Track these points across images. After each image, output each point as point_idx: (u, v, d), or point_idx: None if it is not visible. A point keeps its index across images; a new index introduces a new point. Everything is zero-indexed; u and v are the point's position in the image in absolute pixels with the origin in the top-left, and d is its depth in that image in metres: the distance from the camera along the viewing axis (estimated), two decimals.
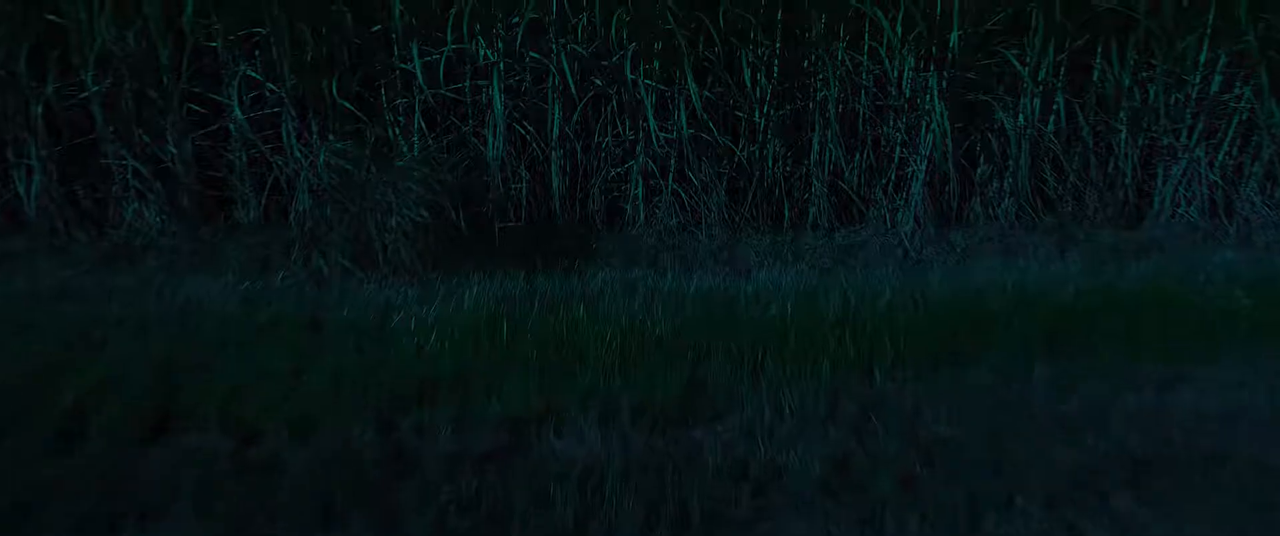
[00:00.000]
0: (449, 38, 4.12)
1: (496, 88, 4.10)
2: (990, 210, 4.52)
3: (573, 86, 4.09)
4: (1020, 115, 4.40)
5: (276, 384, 3.02)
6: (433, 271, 3.89)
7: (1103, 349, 3.29)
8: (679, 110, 4.21)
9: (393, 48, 4.18)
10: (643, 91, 4.18)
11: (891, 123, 4.38)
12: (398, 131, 4.26)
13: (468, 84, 4.21)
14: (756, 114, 4.31)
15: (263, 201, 4.29)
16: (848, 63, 4.27)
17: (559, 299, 3.62)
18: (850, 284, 3.92)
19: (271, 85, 4.20)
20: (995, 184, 4.50)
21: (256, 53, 4.17)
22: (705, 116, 4.21)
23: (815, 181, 4.40)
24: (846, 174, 4.42)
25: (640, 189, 4.30)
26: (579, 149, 4.26)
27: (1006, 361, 3.20)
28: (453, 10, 4.07)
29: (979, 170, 4.49)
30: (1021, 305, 3.60)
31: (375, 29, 4.19)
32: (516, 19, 4.18)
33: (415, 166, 4.03)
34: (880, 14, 4.20)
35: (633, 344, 3.19)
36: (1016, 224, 4.51)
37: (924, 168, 4.35)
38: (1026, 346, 3.29)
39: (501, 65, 4.17)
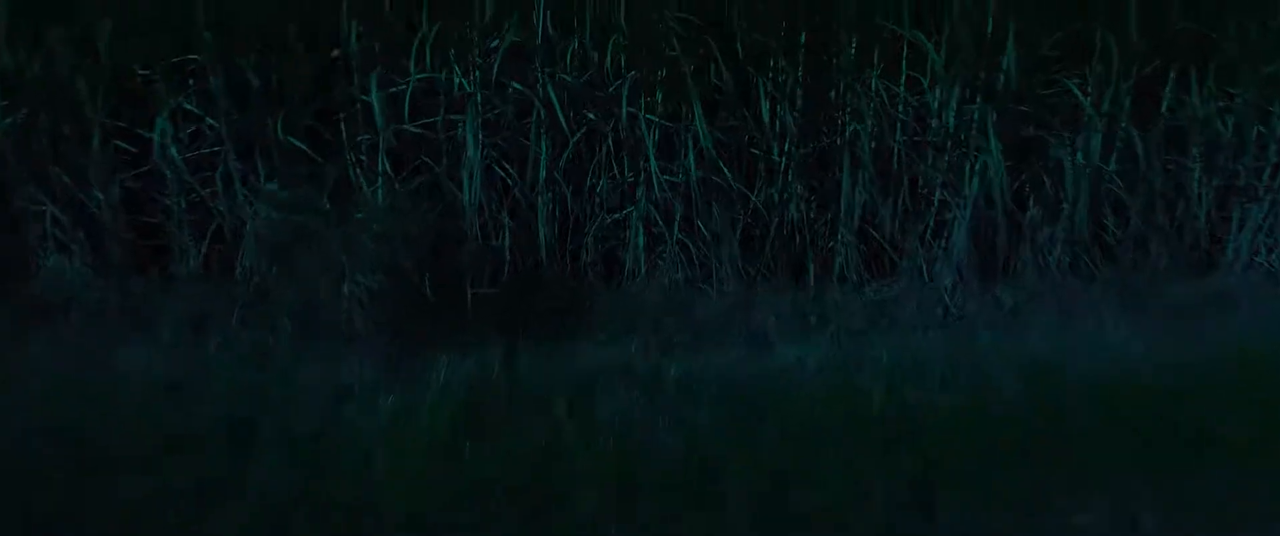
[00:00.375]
0: (413, 68, 3.24)
1: (470, 124, 3.22)
2: (1040, 259, 3.64)
3: (563, 121, 3.21)
4: (1078, 152, 3.53)
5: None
6: (395, 342, 3.04)
7: (1225, 468, 2.45)
8: (685, 149, 3.34)
9: (352, 76, 3.30)
10: (643, 127, 3.31)
11: (930, 161, 3.50)
12: (360, 172, 3.39)
13: (440, 118, 3.33)
14: (775, 152, 3.44)
15: (203, 252, 3.42)
16: (883, 93, 3.39)
17: (541, 392, 2.77)
18: (888, 356, 3.07)
19: (211, 119, 3.32)
20: (1046, 229, 3.62)
21: (189, 82, 3.29)
22: (716, 156, 3.34)
23: (843, 229, 3.52)
24: (878, 219, 3.55)
25: (641, 238, 3.43)
26: (569, 193, 3.38)
27: (1108, 493, 2.36)
28: (420, 34, 3.19)
29: (1028, 214, 3.61)
30: (1105, 397, 2.75)
31: (333, 54, 3.31)
32: (496, 41, 3.30)
33: (376, 218, 3.16)
34: (922, 37, 3.31)
35: (631, 470, 2.34)
36: (1070, 275, 3.64)
37: (968, 212, 3.48)
38: (1128, 467, 2.44)
39: (479, 96, 3.29)
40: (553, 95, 3.26)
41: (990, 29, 3.36)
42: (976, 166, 3.47)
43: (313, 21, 3.28)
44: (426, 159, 3.43)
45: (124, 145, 3.39)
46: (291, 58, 3.25)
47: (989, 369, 3.00)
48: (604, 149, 3.37)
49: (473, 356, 2.99)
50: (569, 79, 3.28)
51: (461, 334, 3.06)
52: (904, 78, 3.43)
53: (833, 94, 3.44)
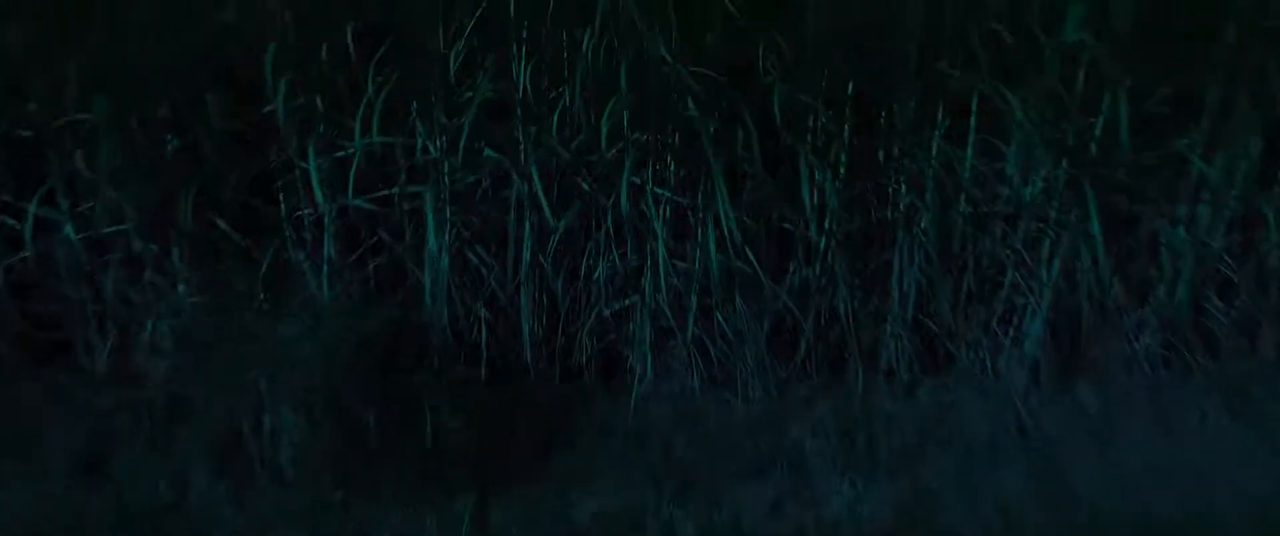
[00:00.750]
0: (358, 129, 2.44)
1: (430, 203, 2.42)
2: (1126, 348, 2.85)
3: (543, 200, 2.41)
4: (1180, 223, 2.74)
5: None
6: (335, 490, 2.26)
7: None
8: (703, 228, 2.54)
9: (290, 138, 2.50)
10: (650, 203, 2.51)
11: (1000, 236, 2.71)
12: (304, 254, 2.60)
13: (398, 191, 2.54)
14: (814, 228, 2.63)
15: (109, 350, 2.64)
16: (950, 155, 2.60)
17: None
18: (963, 501, 2.29)
19: (113, 191, 2.53)
20: (1134, 314, 2.83)
21: (80, 147, 2.49)
22: (741, 238, 2.54)
23: (893, 318, 2.73)
24: (934, 306, 2.75)
25: (648, 333, 2.63)
26: (560, 284, 2.58)
27: None
28: (366, 95, 2.38)
29: (1112, 295, 2.81)
30: None
31: (265, 111, 2.51)
32: (469, 93, 2.50)
33: (309, 328, 2.37)
34: (1003, 89, 2.51)
35: None
36: (1163, 368, 2.85)
37: (1047, 299, 2.68)
38: None
39: (445, 164, 2.49)
40: (534, 164, 2.45)
41: (1082, 79, 2.54)
42: (1058, 244, 2.67)
43: (240, 71, 2.47)
44: (385, 235, 2.64)
45: (8, 221, 2.60)
46: (208, 115, 2.45)
47: (1099, 525, 2.22)
48: (603, 229, 2.56)
49: (434, 511, 2.20)
50: (555, 144, 2.47)
51: (421, 478, 2.28)
52: (973, 138, 2.62)
53: (884, 157, 2.64)
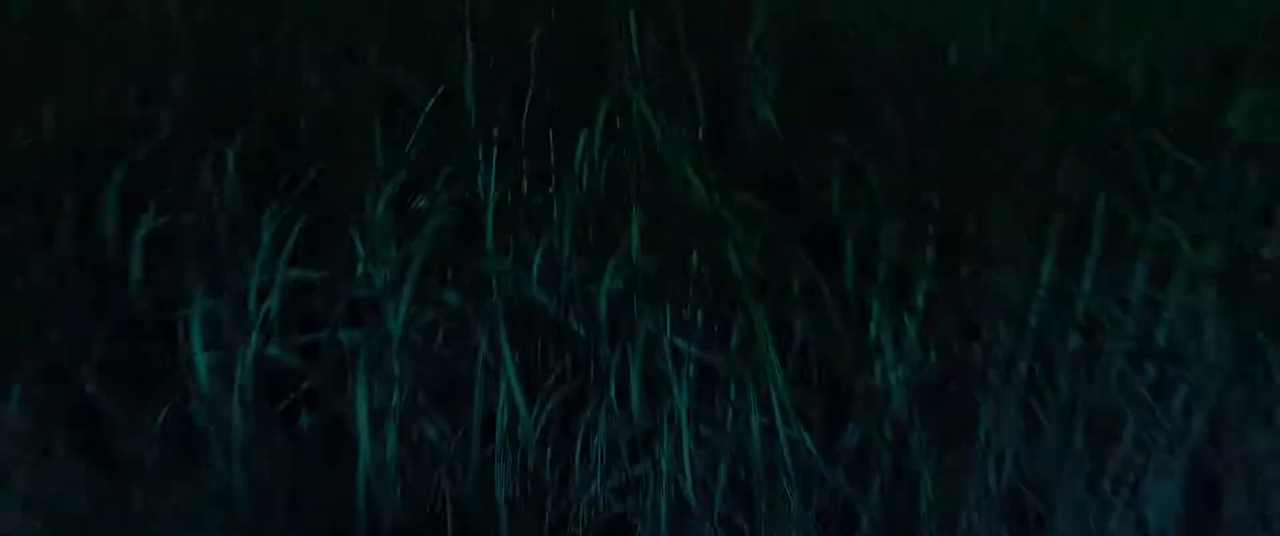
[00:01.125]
0: (259, 261, 1.74)
1: (363, 370, 1.72)
2: (1266, 506, 2.19)
3: (518, 394, 1.71)
4: None
5: None
6: None
7: None
8: (741, 388, 1.84)
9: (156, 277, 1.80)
10: (667, 357, 1.80)
11: (1118, 380, 2.03)
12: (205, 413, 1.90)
13: (325, 336, 1.84)
14: (878, 372, 1.95)
15: None
16: (1067, 285, 1.92)
17: None
18: None
19: None
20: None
21: None
22: (786, 397, 1.85)
23: (978, 479, 2.05)
24: (1030, 463, 2.08)
25: (663, 510, 1.95)
26: (547, 454, 1.89)
27: None
28: (265, 236, 1.68)
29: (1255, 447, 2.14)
30: None
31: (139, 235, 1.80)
32: (422, 203, 1.80)
33: (217, 504, 1.70)
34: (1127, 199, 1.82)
35: None
36: None
37: (1183, 462, 2.01)
38: None
39: (389, 303, 1.79)
40: (501, 311, 1.75)
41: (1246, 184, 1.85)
42: (1200, 393, 1.99)
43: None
44: (317, 381, 1.95)
45: None
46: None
47: None
48: (605, 388, 1.86)
49: None
50: (535, 289, 1.76)
51: None
52: (1095, 260, 1.93)
53: (973, 283, 1.95)
